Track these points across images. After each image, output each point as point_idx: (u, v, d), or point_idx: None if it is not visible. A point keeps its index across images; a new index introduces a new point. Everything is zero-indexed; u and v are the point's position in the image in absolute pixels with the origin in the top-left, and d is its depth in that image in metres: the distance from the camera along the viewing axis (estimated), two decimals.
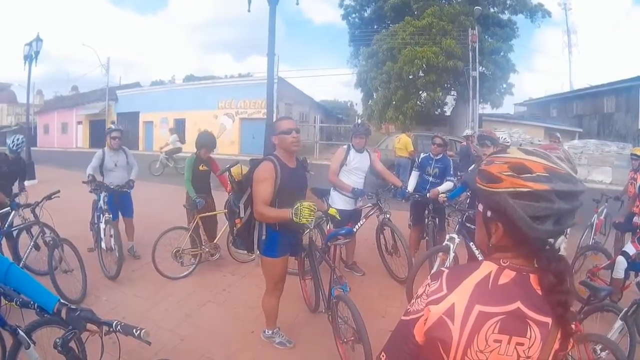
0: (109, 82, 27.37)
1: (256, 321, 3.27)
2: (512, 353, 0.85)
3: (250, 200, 2.67)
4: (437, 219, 4.56)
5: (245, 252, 3.38)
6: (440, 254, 3.67)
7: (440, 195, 4.26)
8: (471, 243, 3.61)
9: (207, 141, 4.70)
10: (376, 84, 20.83)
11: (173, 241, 4.34)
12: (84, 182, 4.54)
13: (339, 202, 4.18)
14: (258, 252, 2.79)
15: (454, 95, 23.40)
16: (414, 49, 18.70)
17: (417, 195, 4.55)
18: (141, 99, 25.88)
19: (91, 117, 27.87)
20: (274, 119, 7.12)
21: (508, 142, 6.45)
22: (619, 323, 2.61)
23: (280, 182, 2.58)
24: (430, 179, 4.66)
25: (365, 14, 24.06)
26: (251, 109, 21.18)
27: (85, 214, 5.09)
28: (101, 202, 4.42)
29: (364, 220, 4.43)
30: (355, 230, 4.10)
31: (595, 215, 5.24)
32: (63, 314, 1.49)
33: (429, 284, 0.93)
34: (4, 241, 4.05)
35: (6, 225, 3.99)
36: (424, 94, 20.48)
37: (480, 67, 19.02)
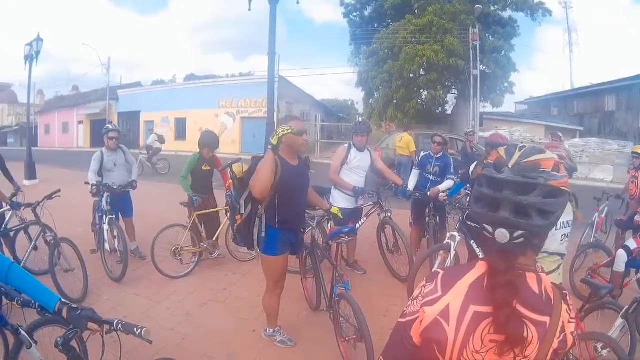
0: (110, 82, 27.41)
1: (257, 320, 3.27)
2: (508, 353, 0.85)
3: (251, 197, 2.67)
4: (437, 217, 4.56)
5: (246, 249, 3.38)
6: (442, 252, 3.66)
7: (440, 194, 4.26)
8: (472, 241, 3.61)
9: (210, 141, 4.68)
10: (377, 83, 20.81)
11: (172, 239, 4.34)
12: (86, 183, 4.53)
13: (340, 200, 4.18)
14: (258, 250, 2.79)
15: (454, 94, 23.38)
16: (414, 47, 18.68)
17: (417, 194, 4.55)
18: (142, 99, 25.91)
19: (92, 117, 27.90)
20: (275, 118, 7.15)
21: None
22: (620, 321, 2.61)
23: (280, 178, 2.58)
24: (431, 177, 4.67)
25: (366, 13, 24.05)
26: (252, 107, 21.19)
27: (86, 214, 5.10)
28: (104, 203, 4.38)
29: (365, 218, 4.43)
30: (356, 228, 4.10)
31: (597, 214, 5.23)
32: (64, 313, 1.49)
33: (424, 285, 0.93)
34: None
35: (3, 226, 3.99)
36: (425, 93, 20.46)
37: (481, 66, 18.98)
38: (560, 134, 8.61)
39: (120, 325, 1.46)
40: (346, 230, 3.00)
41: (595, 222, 5.15)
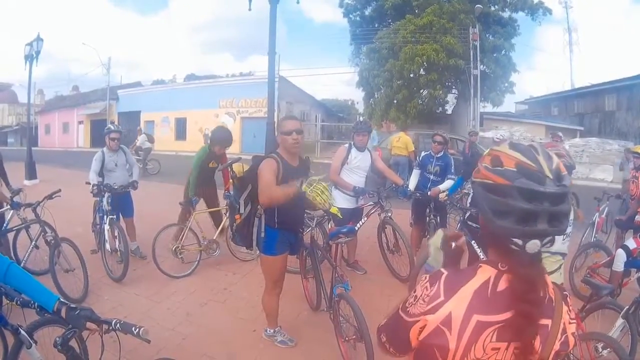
0: (110, 82, 27.46)
1: (257, 320, 3.27)
2: (510, 357, 0.85)
3: (251, 197, 2.67)
4: (438, 217, 4.56)
5: (245, 248, 3.38)
6: None
7: (441, 194, 4.26)
8: (473, 241, 3.60)
9: (223, 138, 4.63)
10: (378, 83, 20.78)
11: (172, 238, 4.33)
12: (87, 183, 4.53)
13: (340, 200, 4.17)
14: (258, 250, 2.79)
15: (455, 93, 23.36)
16: (414, 46, 18.67)
17: (418, 194, 4.55)
18: (142, 98, 25.92)
19: (92, 117, 27.91)
20: (275, 118, 7.14)
21: (499, 138, 6.46)
22: (620, 321, 2.61)
23: (281, 179, 2.59)
24: (432, 177, 4.66)
25: (366, 12, 24.03)
26: (252, 107, 21.21)
27: (86, 214, 5.09)
28: (104, 203, 4.37)
29: (366, 218, 4.42)
30: (356, 228, 4.09)
31: (597, 214, 5.23)
32: (63, 312, 1.49)
33: (427, 286, 0.90)
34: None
35: (4, 226, 3.99)
36: (425, 92, 20.45)
37: (481, 66, 18.98)
38: (560, 134, 8.63)
39: (118, 325, 1.46)
40: (345, 230, 3.00)
41: (596, 222, 5.14)
